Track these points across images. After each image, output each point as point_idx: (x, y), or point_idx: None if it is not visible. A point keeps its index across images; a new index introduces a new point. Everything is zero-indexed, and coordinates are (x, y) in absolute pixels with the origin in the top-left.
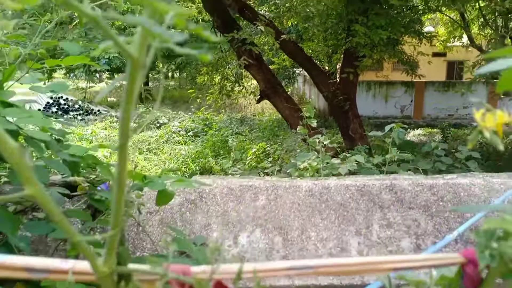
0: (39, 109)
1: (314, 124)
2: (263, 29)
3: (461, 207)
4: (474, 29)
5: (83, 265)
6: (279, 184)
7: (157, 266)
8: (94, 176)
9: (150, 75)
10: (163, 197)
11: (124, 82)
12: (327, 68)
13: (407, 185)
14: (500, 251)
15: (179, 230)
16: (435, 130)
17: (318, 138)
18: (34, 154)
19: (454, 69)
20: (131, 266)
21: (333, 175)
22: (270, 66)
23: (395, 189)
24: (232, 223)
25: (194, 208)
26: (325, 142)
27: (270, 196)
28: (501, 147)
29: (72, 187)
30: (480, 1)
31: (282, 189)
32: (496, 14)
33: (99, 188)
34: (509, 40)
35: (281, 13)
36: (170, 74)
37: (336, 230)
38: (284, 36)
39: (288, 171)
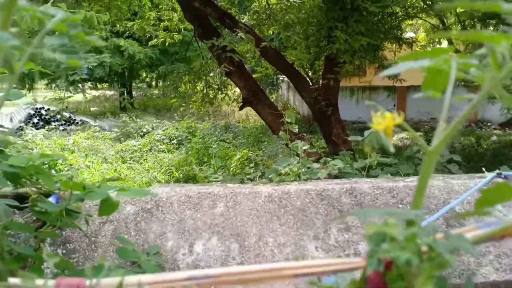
0: (20, 120)
1: (295, 129)
2: (243, 36)
3: (361, 211)
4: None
5: None
6: (239, 190)
7: (29, 281)
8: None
9: (133, 83)
10: (106, 207)
11: (109, 93)
12: (310, 74)
13: (367, 188)
14: (391, 256)
15: (127, 240)
16: (418, 133)
17: (297, 143)
18: None
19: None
20: (11, 280)
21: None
22: (253, 75)
23: (355, 192)
24: (188, 231)
25: (149, 217)
26: (304, 148)
27: (229, 203)
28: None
29: (24, 198)
30: (458, 8)
31: (242, 195)
32: (475, 20)
33: (51, 199)
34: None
35: (261, 21)
36: (154, 83)
37: (294, 235)
38: (264, 43)
39: (269, 176)
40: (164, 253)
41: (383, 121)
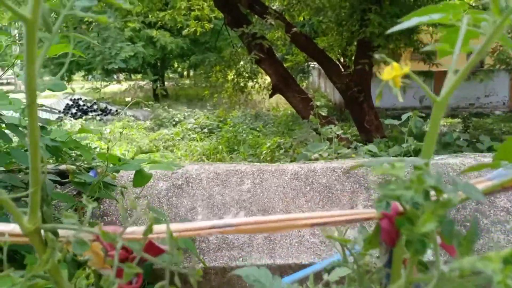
0: (59, 111)
1: (324, 113)
2: (273, 22)
3: (373, 161)
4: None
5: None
6: (265, 168)
7: (73, 220)
8: (84, 164)
9: (165, 74)
10: (140, 178)
11: (143, 83)
12: (342, 60)
13: None
14: (397, 195)
15: (159, 212)
16: (456, 120)
17: (331, 128)
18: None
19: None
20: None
21: None
22: (284, 64)
23: None
24: (217, 206)
25: (180, 193)
26: (338, 132)
27: (256, 180)
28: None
29: (65, 175)
30: None
31: (268, 173)
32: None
33: (89, 174)
34: None
35: (291, 6)
36: (185, 73)
37: (320, 211)
38: (295, 29)
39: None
40: None
41: (391, 71)
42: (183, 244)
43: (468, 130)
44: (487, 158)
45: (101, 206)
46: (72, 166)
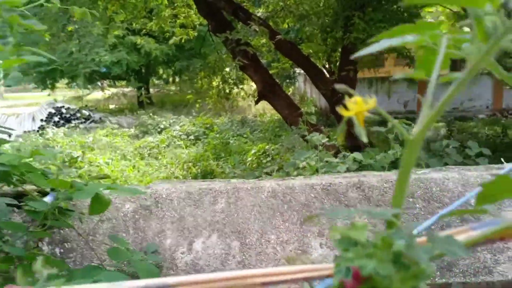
0: (41, 119)
1: (313, 120)
2: (257, 28)
3: (330, 210)
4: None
5: None
6: (241, 186)
7: None
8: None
9: (150, 81)
10: (97, 205)
11: (127, 90)
12: (327, 66)
13: (375, 182)
14: (357, 266)
15: (120, 239)
16: (440, 123)
17: (316, 136)
18: None
19: (458, 61)
20: None
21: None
22: (270, 71)
23: (362, 186)
24: (188, 228)
25: (148, 215)
26: (323, 141)
27: (231, 199)
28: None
29: (25, 197)
30: None
31: (244, 191)
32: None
33: (47, 197)
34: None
35: (275, 12)
36: (170, 79)
37: (298, 231)
38: (279, 36)
39: (287, 170)
40: (162, 251)
41: (354, 106)
42: (147, 274)
43: (452, 134)
44: (471, 171)
45: (61, 232)
46: (32, 187)
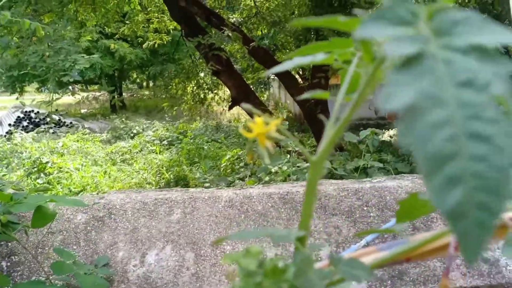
0: (9, 124)
1: (286, 126)
2: (230, 34)
3: (237, 234)
4: None
5: None
6: (198, 195)
7: None
8: None
9: (123, 85)
10: (40, 218)
11: (99, 94)
12: (301, 73)
13: (332, 190)
14: None
15: (66, 252)
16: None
17: (287, 143)
18: None
19: None
20: None
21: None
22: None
23: (319, 195)
24: (141, 240)
25: (101, 226)
26: (296, 149)
27: (187, 209)
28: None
29: None
30: None
31: (201, 201)
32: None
33: None
34: None
35: (249, 18)
36: (144, 83)
37: (253, 242)
38: (253, 43)
39: (259, 175)
40: (114, 264)
41: (255, 127)
42: None
43: None
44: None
45: (9, 244)
46: None
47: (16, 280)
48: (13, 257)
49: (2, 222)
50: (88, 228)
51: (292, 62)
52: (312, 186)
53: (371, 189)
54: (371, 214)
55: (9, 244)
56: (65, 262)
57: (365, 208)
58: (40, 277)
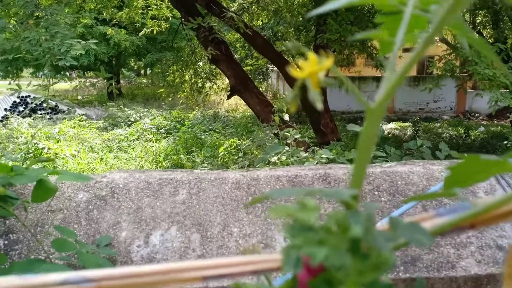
0: (5, 108)
1: (286, 117)
2: (234, 15)
3: (276, 191)
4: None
5: None
6: (204, 176)
7: None
8: None
9: (121, 72)
10: (41, 192)
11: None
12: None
13: (341, 175)
14: (306, 253)
15: (67, 231)
16: (406, 124)
17: (289, 131)
18: None
19: (424, 64)
20: None
21: None
22: (244, 68)
23: (329, 179)
24: (145, 220)
25: (103, 205)
26: (296, 136)
27: (192, 190)
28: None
29: None
30: None
31: (207, 182)
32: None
33: None
34: (476, 35)
35: (250, 5)
36: (142, 71)
37: (261, 224)
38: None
39: (257, 165)
40: (116, 244)
41: (307, 65)
42: (97, 268)
43: (417, 133)
44: (435, 165)
45: (7, 222)
46: None
47: (14, 259)
48: (11, 235)
49: (1, 195)
50: (90, 207)
51: (340, 1)
52: (368, 138)
53: (382, 173)
54: (382, 198)
55: (7, 221)
56: (66, 240)
57: (376, 193)
58: (40, 256)
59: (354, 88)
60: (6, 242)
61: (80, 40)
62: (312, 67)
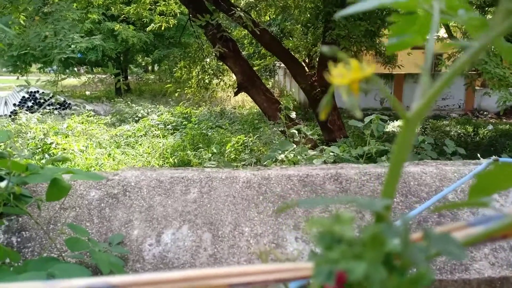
0: (14, 104)
1: (293, 115)
2: (242, 14)
3: (305, 201)
4: (452, 22)
5: None
6: (215, 175)
7: None
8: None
9: (129, 68)
10: (55, 191)
11: (102, 76)
12: (307, 61)
13: (353, 174)
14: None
15: (80, 229)
16: None
17: (300, 128)
18: None
19: (433, 61)
20: None
21: None
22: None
23: (340, 178)
24: (157, 219)
25: (115, 203)
26: (307, 133)
27: (204, 189)
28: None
29: None
30: None
31: (218, 180)
32: (473, 7)
33: (4, 181)
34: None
35: (258, 1)
36: (150, 67)
37: (272, 224)
38: (260, 27)
39: (265, 163)
40: (128, 243)
41: (347, 73)
42: (109, 266)
43: (425, 131)
44: (448, 166)
45: (20, 219)
46: None
47: (27, 256)
48: (24, 232)
49: (15, 194)
50: (102, 205)
51: (369, 3)
52: (403, 147)
53: None
54: (395, 199)
55: (20, 219)
56: (80, 238)
57: None
58: (52, 254)
59: (391, 96)
60: (19, 239)
61: (83, 35)
62: (354, 74)
